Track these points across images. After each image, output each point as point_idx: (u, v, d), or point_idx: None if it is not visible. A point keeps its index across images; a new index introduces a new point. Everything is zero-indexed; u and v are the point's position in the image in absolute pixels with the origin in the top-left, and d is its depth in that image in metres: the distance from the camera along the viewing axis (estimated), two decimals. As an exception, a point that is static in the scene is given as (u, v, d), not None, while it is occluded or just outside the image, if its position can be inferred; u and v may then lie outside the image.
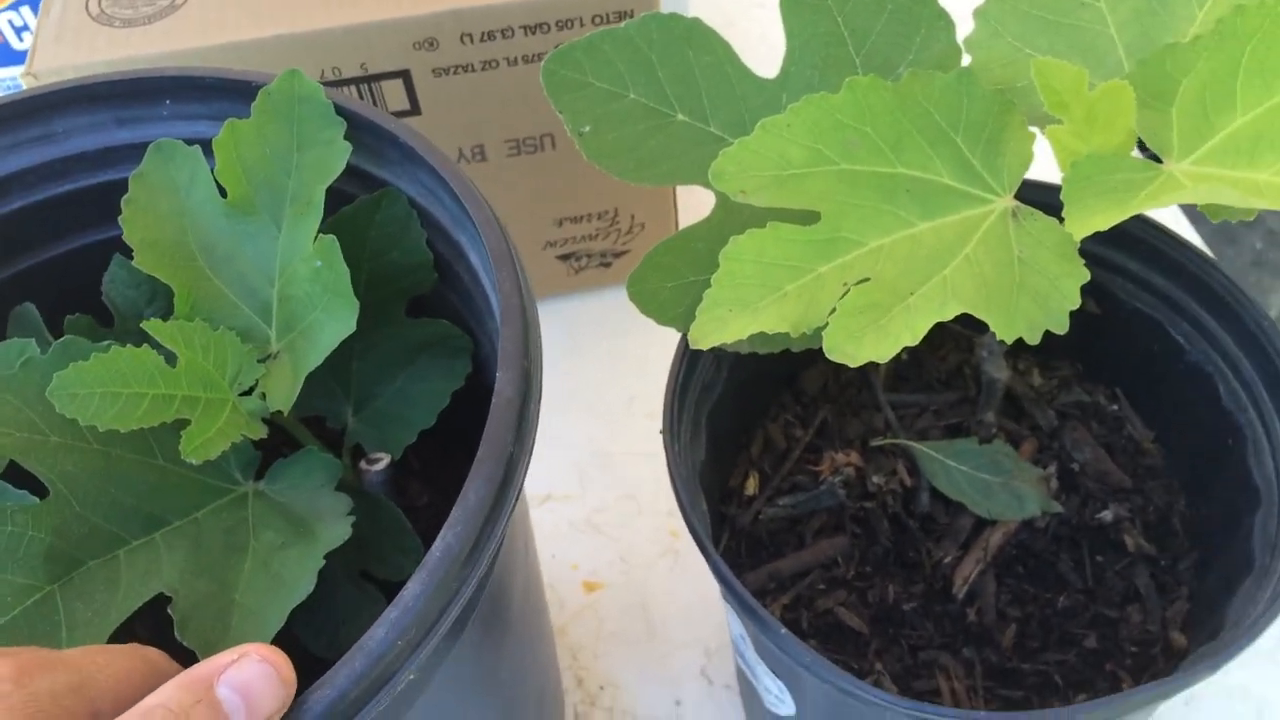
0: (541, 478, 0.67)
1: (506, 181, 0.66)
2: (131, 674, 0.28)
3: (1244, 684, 0.55)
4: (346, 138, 0.39)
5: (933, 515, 0.48)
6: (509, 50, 0.60)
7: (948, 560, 0.47)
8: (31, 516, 0.35)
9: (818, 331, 0.36)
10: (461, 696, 0.37)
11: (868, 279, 0.36)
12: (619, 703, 0.59)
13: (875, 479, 0.49)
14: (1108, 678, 0.44)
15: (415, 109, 0.61)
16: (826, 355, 0.34)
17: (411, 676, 0.28)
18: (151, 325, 0.36)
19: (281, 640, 0.35)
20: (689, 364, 0.44)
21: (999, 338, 0.35)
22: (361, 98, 0.59)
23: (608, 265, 0.74)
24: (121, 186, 0.43)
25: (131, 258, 0.42)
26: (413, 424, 0.42)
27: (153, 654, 0.29)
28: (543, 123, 0.64)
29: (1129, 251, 0.47)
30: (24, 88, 0.54)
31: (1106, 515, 0.47)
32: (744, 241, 0.36)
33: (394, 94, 0.60)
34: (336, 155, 0.38)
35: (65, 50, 0.56)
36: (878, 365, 0.52)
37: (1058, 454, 0.49)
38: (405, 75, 0.59)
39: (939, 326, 0.36)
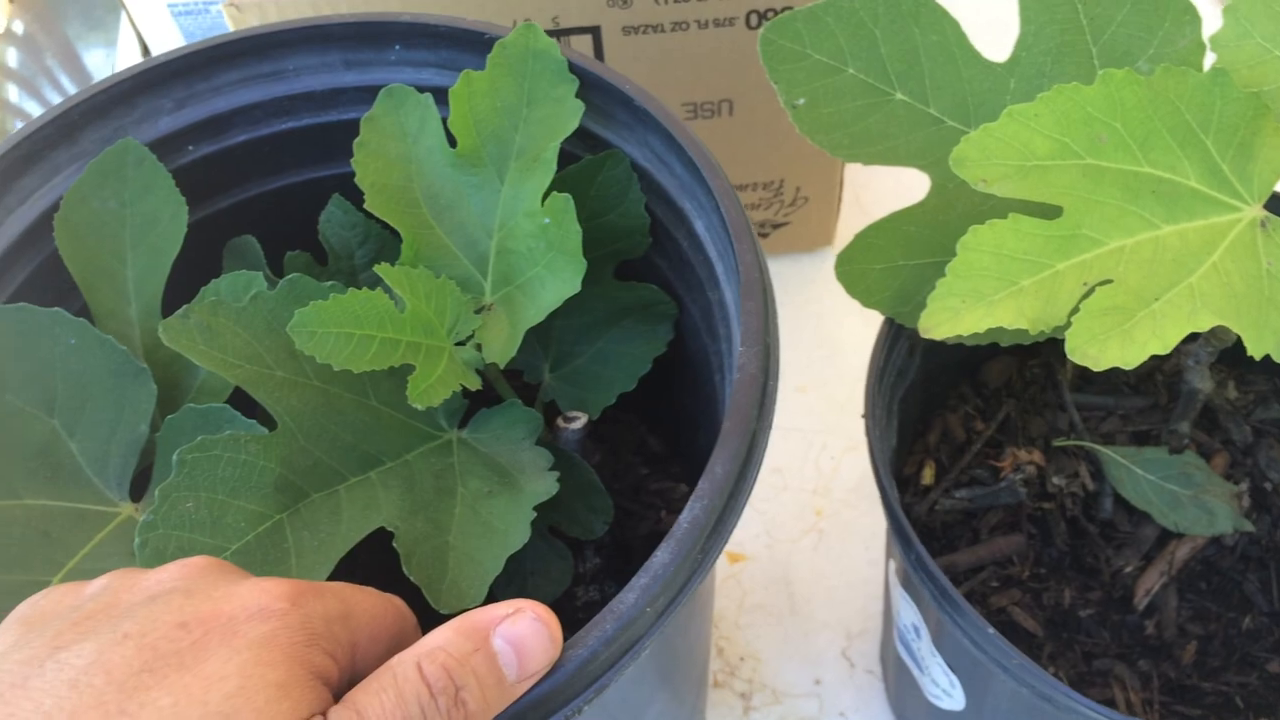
0: (690, 444, 0.67)
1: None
2: (384, 615, 0.28)
3: None
4: (577, 96, 0.39)
5: (1114, 522, 0.47)
6: (701, 13, 0.59)
7: (1129, 570, 0.46)
8: (262, 447, 0.36)
9: (1055, 330, 0.35)
10: (660, 665, 0.37)
11: (1109, 280, 0.35)
12: (758, 675, 0.59)
13: (1056, 480, 0.48)
14: (1293, 705, 0.43)
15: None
16: (1069, 356, 0.33)
17: (650, 645, 0.29)
18: (383, 269, 0.37)
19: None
20: (889, 349, 0.43)
21: (1250, 352, 0.34)
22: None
23: (765, 235, 0.73)
24: (342, 127, 0.44)
25: (348, 198, 0.43)
26: (613, 386, 0.42)
27: (398, 601, 0.30)
28: (723, 88, 0.63)
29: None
30: (224, 17, 0.55)
31: (1300, 539, 0.46)
32: (983, 232, 0.35)
33: (581, 49, 0.60)
34: (569, 113, 0.38)
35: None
36: (1065, 364, 0.51)
37: (1250, 471, 0.48)
38: (595, 31, 0.59)
39: None
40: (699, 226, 0.37)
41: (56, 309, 0.38)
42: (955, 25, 0.42)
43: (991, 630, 0.35)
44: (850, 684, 0.58)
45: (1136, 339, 0.34)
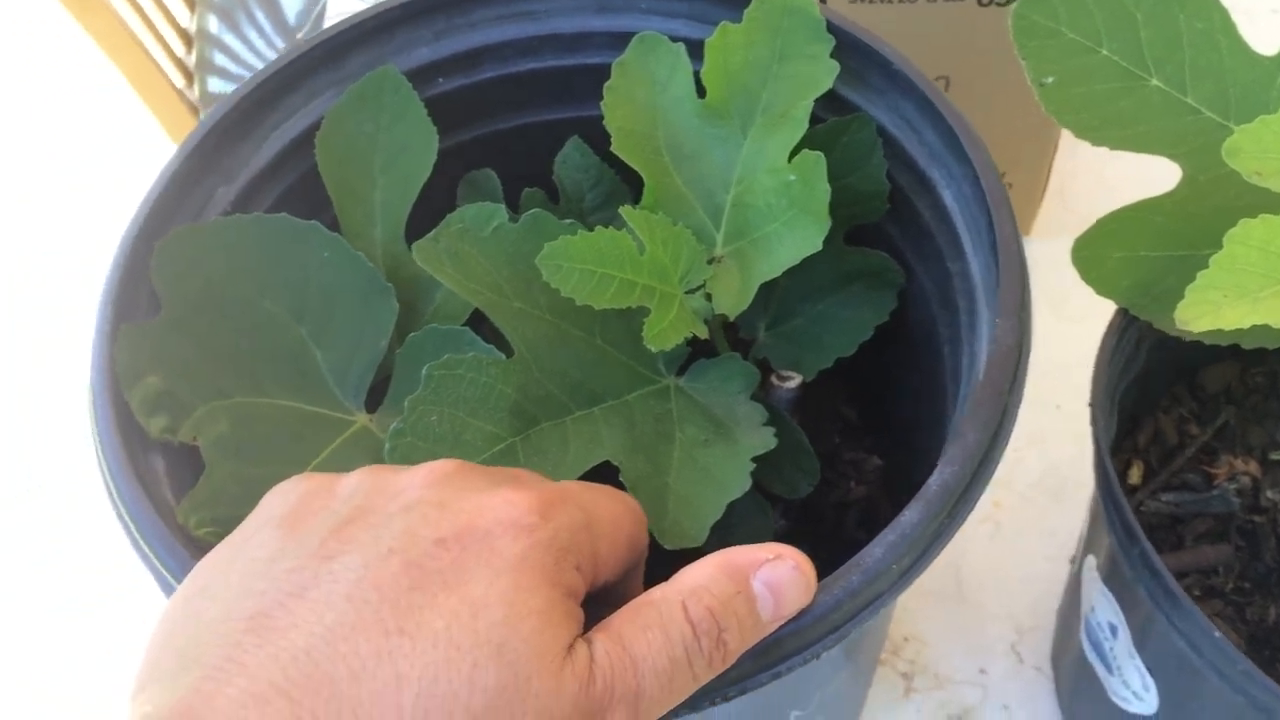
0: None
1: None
2: (620, 518, 0.29)
3: None
4: (831, 55, 0.39)
5: (1332, 544, 0.45)
6: (932, -13, 0.58)
7: (1344, 594, 0.44)
8: (501, 371, 0.37)
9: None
10: (845, 656, 0.37)
11: (1389, 287, 0.33)
12: (921, 657, 0.58)
13: (1270, 493, 0.46)
14: None
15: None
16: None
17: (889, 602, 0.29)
18: (628, 211, 0.38)
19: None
20: (1117, 340, 0.42)
21: None
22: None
23: (963, 220, 0.72)
24: (585, 72, 0.45)
25: (587, 137, 0.44)
26: (831, 349, 0.42)
27: (631, 500, 0.30)
28: (942, 65, 0.62)
29: None
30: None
31: None
32: (1253, 226, 0.34)
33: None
34: (823, 72, 0.38)
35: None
36: (1293, 374, 0.49)
37: None
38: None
39: None
40: (947, 197, 0.37)
41: (314, 222, 0.40)
42: (1224, 13, 0.41)
43: (1218, 634, 0.35)
44: (1017, 678, 0.57)
45: None
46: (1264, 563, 0.46)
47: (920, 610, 0.60)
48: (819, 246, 0.37)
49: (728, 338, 0.44)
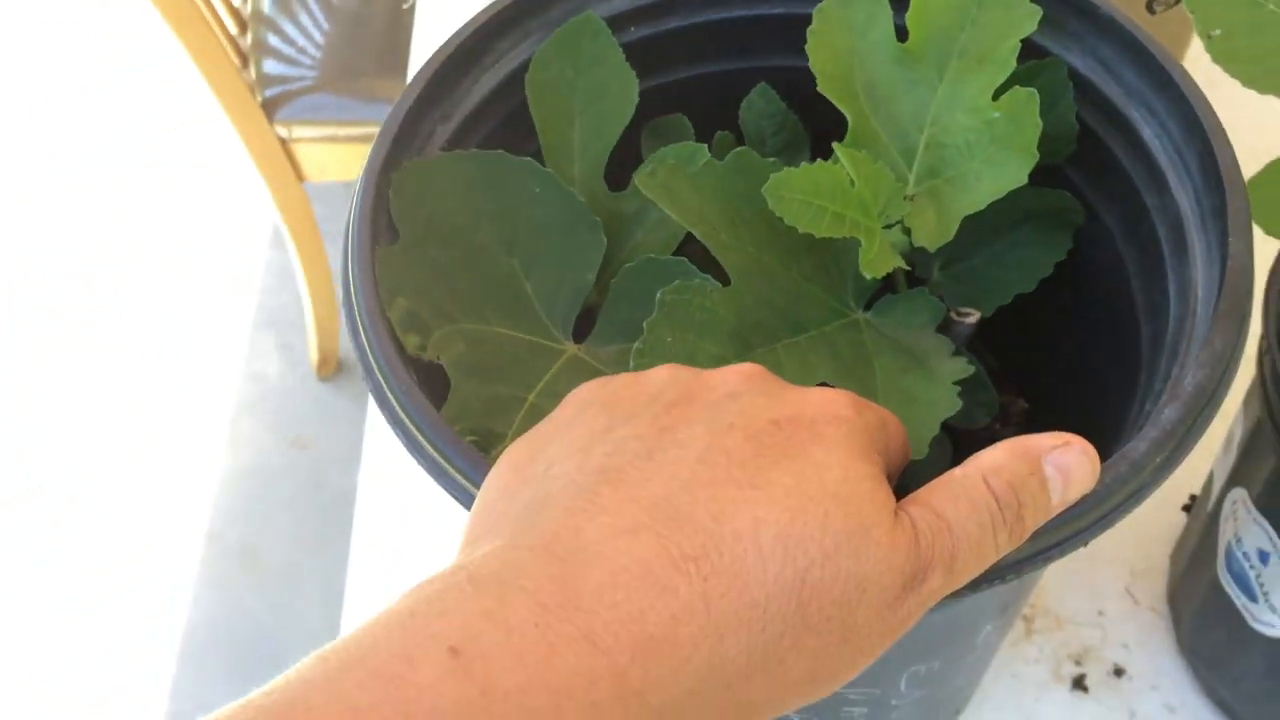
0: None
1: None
2: (902, 432, 0.31)
3: None
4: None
5: None
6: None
7: None
8: (721, 298, 0.39)
9: None
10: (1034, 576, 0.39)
11: None
12: (1040, 600, 0.61)
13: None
14: None
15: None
16: None
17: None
18: (840, 148, 0.40)
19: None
20: (1280, 279, 0.45)
21: None
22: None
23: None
24: (767, 21, 0.47)
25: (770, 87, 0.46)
26: (1010, 287, 0.44)
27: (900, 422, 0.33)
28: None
29: None
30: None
31: None
32: None
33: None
34: (1025, 16, 0.40)
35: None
36: None
37: None
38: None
39: None
40: (1146, 133, 0.39)
41: (527, 158, 0.42)
42: None
43: None
44: (1133, 619, 0.60)
45: None
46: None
47: (1037, 555, 0.62)
48: (1024, 180, 0.39)
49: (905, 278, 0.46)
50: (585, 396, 0.30)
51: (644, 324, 0.37)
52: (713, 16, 0.47)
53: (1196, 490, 0.60)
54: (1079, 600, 0.61)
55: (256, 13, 1.45)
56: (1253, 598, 0.48)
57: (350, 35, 1.44)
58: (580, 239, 0.43)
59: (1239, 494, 0.48)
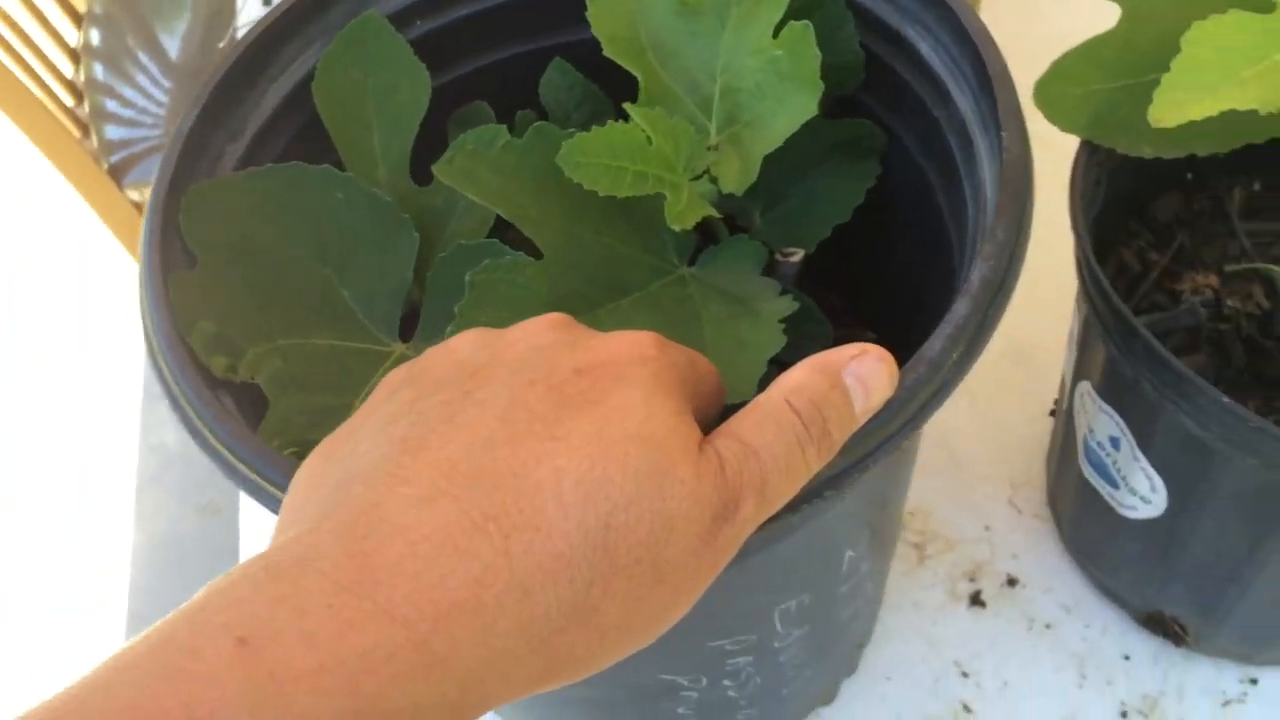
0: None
1: None
2: (714, 371, 0.32)
3: None
4: (788, -60, 0.41)
5: (1291, 337, 0.50)
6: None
7: (1310, 378, 0.49)
8: (534, 272, 0.39)
9: (1265, 118, 0.38)
10: (900, 463, 0.40)
11: (1329, 63, 0.37)
12: (929, 526, 0.62)
13: (1231, 302, 0.51)
14: None
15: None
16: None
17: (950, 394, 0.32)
18: (631, 108, 0.40)
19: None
20: (1084, 174, 0.46)
21: None
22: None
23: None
24: (553, -2, 0.47)
25: (569, 62, 0.46)
26: (828, 220, 0.45)
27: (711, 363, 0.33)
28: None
29: None
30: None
31: None
32: (1205, 27, 0.38)
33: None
34: (792, -47, 0.41)
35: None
36: (1232, 193, 0.53)
37: None
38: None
39: None
40: (924, 48, 0.40)
41: (326, 166, 0.41)
42: None
43: (1227, 399, 0.38)
44: (1019, 528, 0.61)
45: (1361, 113, 0.36)
46: (1235, 365, 0.50)
47: (921, 484, 0.63)
48: (814, 111, 0.40)
49: (727, 228, 0.47)
50: (395, 379, 0.30)
51: (455, 308, 0.37)
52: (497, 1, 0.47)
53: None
54: (965, 520, 0.62)
55: (90, 80, 1.41)
56: (1114, 484, 0.49)
57: (191, 90, 1.41)
58: (392, 238, 0.42)
59: (1084, 387, 0.49)
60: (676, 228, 0.39)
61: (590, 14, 0.42)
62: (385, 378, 0.30)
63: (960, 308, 0.31)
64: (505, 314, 0.38)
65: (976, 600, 0.59)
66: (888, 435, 0.30)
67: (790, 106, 0.41)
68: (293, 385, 0.38)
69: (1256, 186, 0.54)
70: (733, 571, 0.31)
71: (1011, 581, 0.59)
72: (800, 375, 0.29)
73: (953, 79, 0.39)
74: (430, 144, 0.45)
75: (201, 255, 0.39)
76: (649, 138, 0.40)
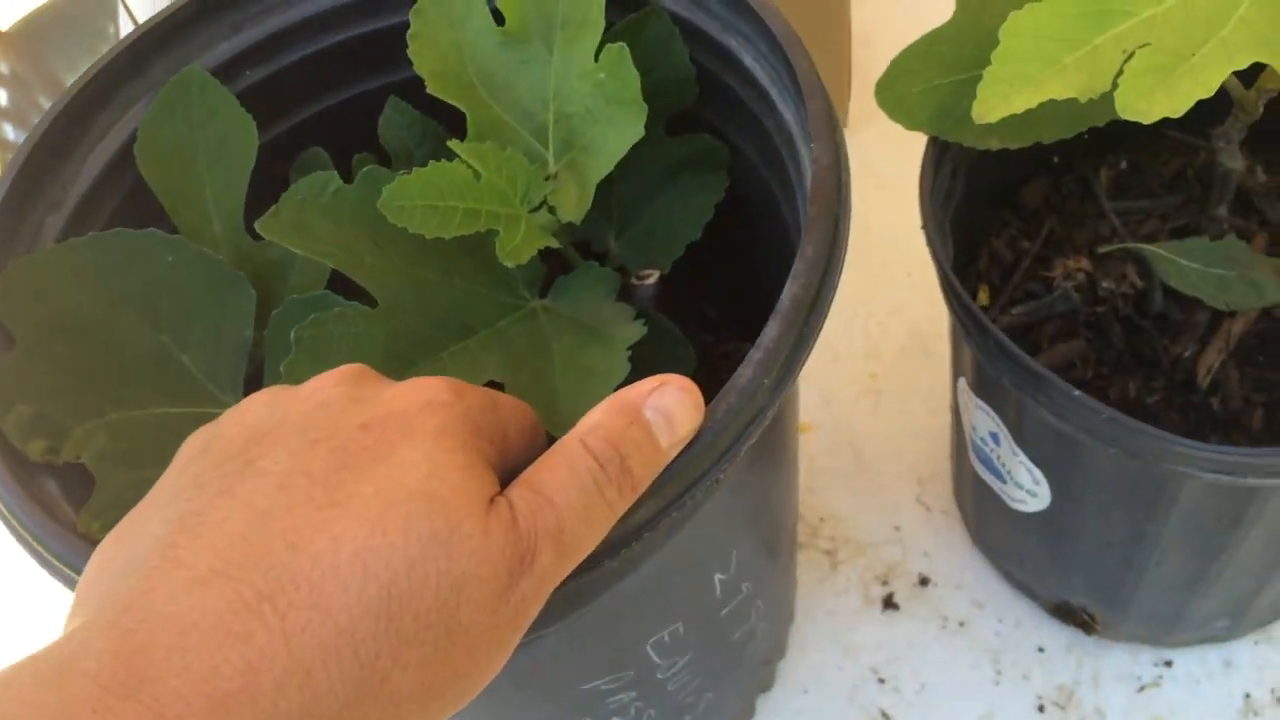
0: (739, 330, 0.69)
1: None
2: (522, 409, 0.31)
3: None
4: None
5: (1166, 314, 0.49)
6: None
7: (1187, 354, 0.48)
8: (369, 320, 0.38)
9: (1105, 100, 0.37)
10: (760, 480, 0.39)
11: (1147, 44, 0.37)
12: (839, 531, 0.61)
13: (1105, 284, 0.50)
14: (1362, 451, 0.45)
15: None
16: (1120, 113, 0.35)
17: (768, 420, 0.31)
18: (455, 144, 0.39)
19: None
20: (935, 169, 0.45)
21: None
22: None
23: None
24: (392, 32, 0.46)
25: (405, 99, 0.45)
26: (679, 238, 0.44)
27: (525, 403, 0.32)
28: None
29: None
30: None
31: (1346, 300, 0.48)
32: (1021, 17, 0.37)
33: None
34: (608, -26, 0.40)
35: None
36: (1099, 174, 0.53)
37: (1290, 247, 0.50)
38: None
39: (1159, 132, 0.36)
40: (747, 60, 0.39)
41: (151, 230, 0.40)
42: None
43: (1077, 392, 0.38)
44: (928, 526, 0.60)
45: (1181, 90, 0.36)
46: (1114, 347, 0.49)
47: (829, 489, 0.63)
48: (642, 132, 0.39)
49: (582, 255, 0.46)
50: (189, 449, 0.29)
51: (281, 368, 0.36)
52: (334, 40, 0.46)
53: (955, 388, 0.61)
54: (875, 522, 0.61)
55: (0, 141, 1.39)
56: (1001, 479, 0.49)
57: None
58: (228, 297, 0.41)
59: (962, 383, 0.49)
60: (510, 264, 0.38)
61: (411, 51, 0.41)
62: (182, 447, 0.29)
63: (771, 330, 0.30)
64: (335, 367, 0.37)
65: (890, 603, 0.58)
66: (708, 466, 0.30)
67: (619, 129, 0.40)
68: (122, 461, 0.37)
69: (1123, 164, 0.53)
70: (575, 619, 0.30)
71: (924, 581, 0.58)
72: (598, 414, 0.28)
73: (775, 89, 0.38)
74: (275, 195, 0.44)
75: (20, 334, 0.37)
76: (477, 173, 0.39)
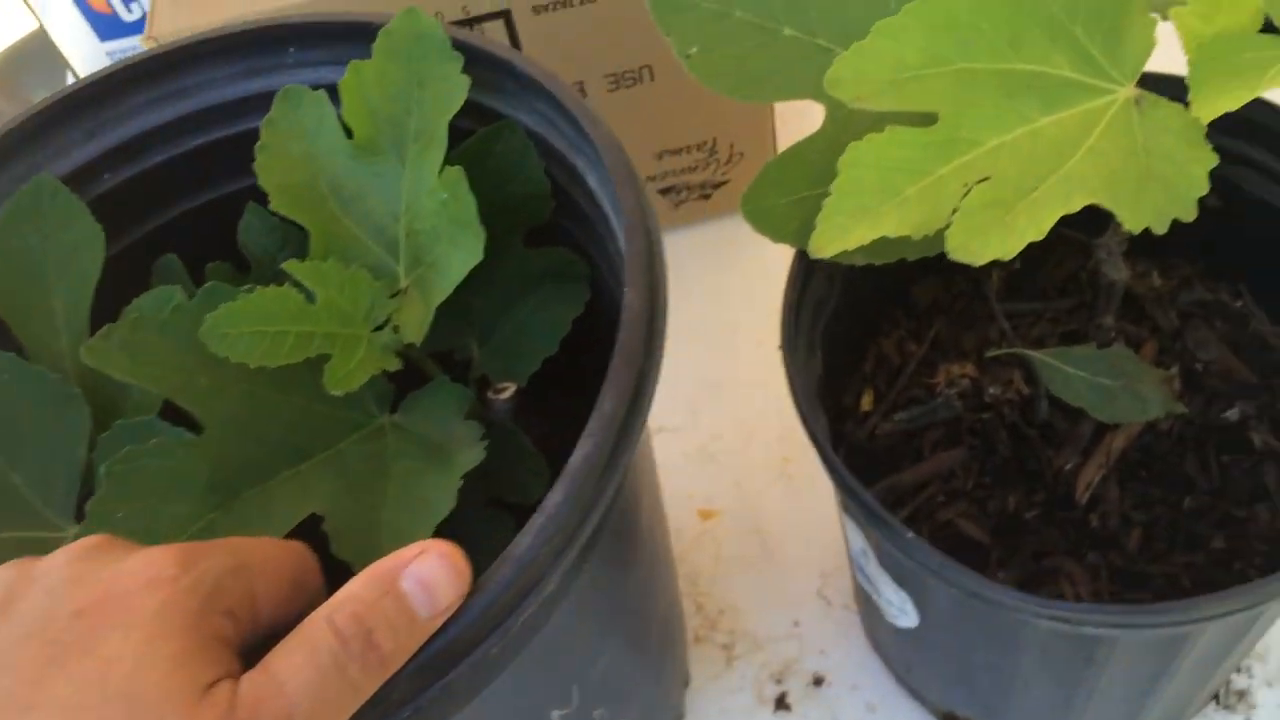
0: (654, 410, 0.68)
1: (607, 117, 0.66)
2: (281, 561, 0.29)
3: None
4: (464, 71, 0.40)
5: (1052, 423, 0.48)
6: (607, -15, 0.60)
7: (1069, 467, 0.47)
8: (190, 451, 0.37)
9: (938, 235, 0.36)
10: (594, 615, 0.38)
11: (988, 178, 0.36)
12: (739, 625, 0.60)
13: (992, 389, 0.49)
14: (1237, 577, 0.44)
15: (516, 48, 0.62)
16: (949, 255, 0.34)
17: (553, 586, 0.30)
18: (290, 265, 0.38)
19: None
20: (804, 280, 0.44)
21: (1126, 229, 0.35)
22: (461, 42, 0.60)
23: (707, 197, 0.74)
24: (254, 136, 0.45)
25: (264, 205, 0.44)
26: (536, 352, 0.43)
27: (297, 545, 0.31)
28: (641, 55, 0.64)
29: (1254, 140, 0.45)
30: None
31: (1232, 414, 0.47)
32: (862, 147, 0.36)
33: (495, 35, 0.61)
34: (457, 89, 0.39)
35: (183, 14, 0.58)
36: (990, 275, 0.52)
37: (1180, 354, 0.49)
38: (506, 15, 0.60)
39: (1053, 232, 0.36)
40: (592, 181, 0.38)
41: (-19, 347, 0.39)
42: None
43: (910, 534, 0.36)
44: (828, 621, 0.59)
45: (1015, 228, 0.35)
46: (999, 455, 0.48)
47: (731, 580, 0.61)
48: (480, 256, 0.38)
49: (446, 364, 0.45)
50: None
51: (87, 506, 0.35)
52: (195, 143, 0.45)
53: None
54: (775, 616, 0.60)
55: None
56: (876, 592, 0.48)
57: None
58: (62, 416, 0.40)
59: (839, 498, 0.48)
60: (339, 392, 0.37)
61: (258, 164, 0.41)
62: None
63: (556, 494, 0.29)
64: (151, 501, 0.36)
65: (782, 703, 0.57)
66: (470, 646, 0.28)
67: (462, 250, 0.39)
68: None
69: (1016, 265, 0.52)
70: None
71: (818, 681, 0.57)
72: (353, 586, 0.27)
73: (615, 217, 0.37)
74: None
75: None
76: (311, 295, 0.38)
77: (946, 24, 0.36)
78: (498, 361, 0.45)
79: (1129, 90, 0.37)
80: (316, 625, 0.26)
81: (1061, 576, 0.45)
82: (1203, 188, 0.35)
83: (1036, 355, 0.48)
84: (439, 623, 0.28)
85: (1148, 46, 0.37)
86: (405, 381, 0.43)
